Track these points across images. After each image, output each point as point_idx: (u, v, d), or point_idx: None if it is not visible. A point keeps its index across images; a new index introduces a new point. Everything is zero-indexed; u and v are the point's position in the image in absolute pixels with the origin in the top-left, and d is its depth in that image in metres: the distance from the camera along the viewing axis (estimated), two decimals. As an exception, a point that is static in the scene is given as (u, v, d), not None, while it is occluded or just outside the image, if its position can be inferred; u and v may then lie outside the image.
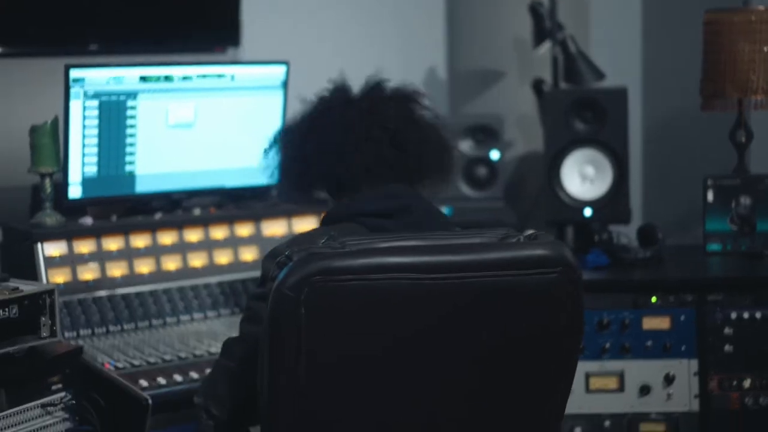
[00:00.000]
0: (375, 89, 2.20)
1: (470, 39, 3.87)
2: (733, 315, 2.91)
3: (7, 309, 2.21)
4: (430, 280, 1.76)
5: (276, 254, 1.89)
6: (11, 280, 2.34)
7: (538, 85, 3.59)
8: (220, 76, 3.04)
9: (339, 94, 2.19)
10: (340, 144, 2.10)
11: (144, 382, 2.48)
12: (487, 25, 3.82)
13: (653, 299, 2.93)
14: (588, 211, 3.28)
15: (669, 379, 2.91)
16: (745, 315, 2.91)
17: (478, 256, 1.79)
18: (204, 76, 3.01)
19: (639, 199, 3.94)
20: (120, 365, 2.55)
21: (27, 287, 2.29)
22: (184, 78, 2.97)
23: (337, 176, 2.11)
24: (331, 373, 1.77)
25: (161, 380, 2.50)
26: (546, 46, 3.58)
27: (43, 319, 2.29)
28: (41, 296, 2.29)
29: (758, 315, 2.91)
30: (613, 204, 3.28)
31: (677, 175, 3.83)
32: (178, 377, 2.52)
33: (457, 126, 3.51)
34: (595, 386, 2.92)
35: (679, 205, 3.75)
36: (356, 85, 2.26)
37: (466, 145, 3.50)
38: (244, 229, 3.06)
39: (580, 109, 3.31)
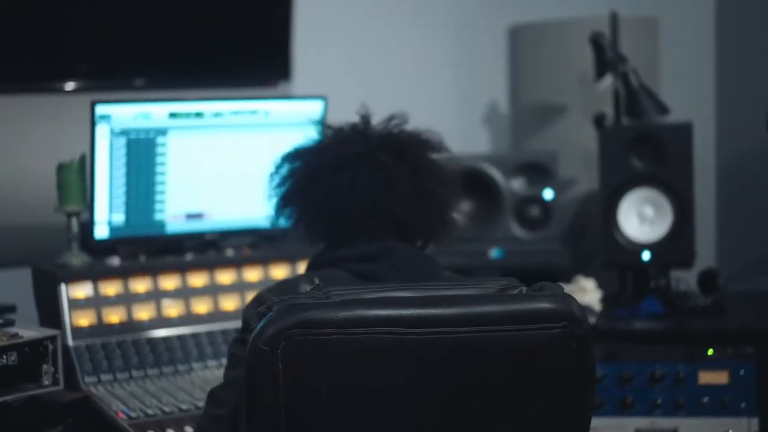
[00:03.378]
0: (384, 136, 2.05)
1: (533, 72, 3.73)
2: (798, 370, 2.69)
3: (5, 356, 2.13)
4: (415, 335, 1.61)
5: (259, 301, 1.77)
6: (15, 325, 2.26)
7: (599, 121, 3.40)
8: (253, 112, 2.94)
9: (344, 134, 2.06)
10: (326, 192, 1.96)
11: (151, 434, 2.38)
12: (550, 58, 3.68)
13: (710, 351, 2.72)
14: (646, 255, 3.08)
15: (726, 439, 2.69)
16: (811, 370, 2.69)
17: (471, 310, 1.64)
18: (237, 113, 2.92)
19: (711, 242, 3.72)
20: (133, 414, 2.45)
21: (28, 333, 2.21)
22: (216, 114, 2.88)
23: (320, 223, 1.98)
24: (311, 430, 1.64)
25: (170, 432, 2.40)
26: (608, 80, 3.40)
27: (45, 366, 2.20)
28: (42, 342, 2.20)
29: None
30: (673, 247, 3.08)
31: (752, 217, 3.60)
32: (188, 429, 2.41)
33: (511, 163, 3.35)
34: (646, 444, 2.72)
35: (753, 249, 3.52)
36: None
37: (518, 184, 3.33)
38: (279, 271, 2.95)
39: (640, 146, 3.14)
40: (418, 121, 2.16)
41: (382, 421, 1.64)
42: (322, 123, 2.23)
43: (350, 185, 1.95)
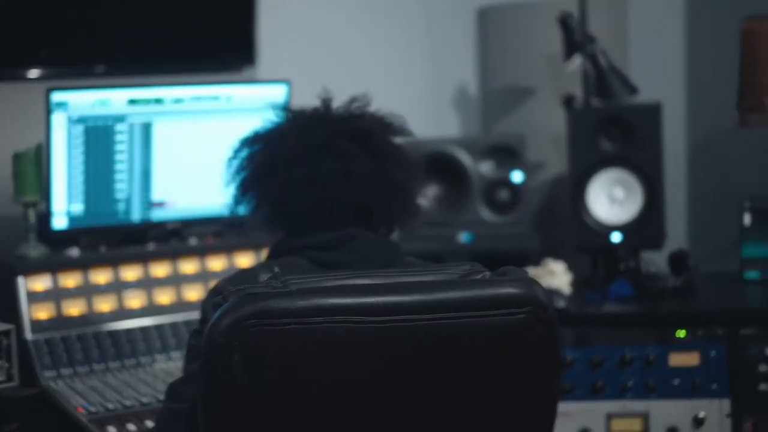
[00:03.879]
0: (345, 121, 1.99)
1: (501, 54, 3.68)
2: (769, 351, 2.66)
3: (-45, 352, 2.07)
4: (376, 324, 1.57)
5: (216, 291, 1.72)
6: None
7: (568, 102, 3.36)
8: (215, 97, 2.88)
9: (303, 119, 2.00)
10: (286, 182, 1.91)
11: (112, 429, 2.32)
12: (518, 39, 3.62)
13: (681, 333, 2.69)
14: (616, 237, 3.04)
15: (698, 421, 2.66)
16: (783, 350, 2.66)
17: (432, 296, 1.59)
18: (198, 98, 2.85)
19: (681, 223, 3.68)
20: (93, 409, 2.39)
21: (-20, 328, 2.15)
22: (176, 100, 2.82)
23: (280, 212, 1.93)
24: (270, 424, 1.59)
25: (131, 426, 2.34)
26: (577, 61, 3.35)
27: (-1, 362, 2.14)
28: (-5, 337, 2.14)
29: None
30: (643, 229, 3.04)
31: (719, 197, 3.57)
32: (150, 423, 2.35)
33: (479, 146, 3.30)
34: (617, 428, 2.69)
35: (720, 230, 3.49)
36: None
37: (487, 167, 3.28)
38: (243, 259, 2.89)
39: (609, 127, 3.10)
40: (385, 105, 2.10)
41: (344, 412, 1.60)
42: (283, 107, 2.17)
43: (310, 176, 1.90)
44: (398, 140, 2.06)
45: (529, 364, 1.63)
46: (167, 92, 2.81)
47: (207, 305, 1.75)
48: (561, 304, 2.83)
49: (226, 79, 3.16)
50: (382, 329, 1.56)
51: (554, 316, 1.63)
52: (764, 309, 2.80)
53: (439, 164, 3.26)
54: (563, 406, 1.71)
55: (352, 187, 1.91)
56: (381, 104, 2.10)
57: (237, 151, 2.02)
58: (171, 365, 2.66)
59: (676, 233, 3.54)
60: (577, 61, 3.34)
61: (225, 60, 3.27)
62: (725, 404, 2.67)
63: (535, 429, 1.67)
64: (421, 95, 3.71)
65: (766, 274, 2.97)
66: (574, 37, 3.33)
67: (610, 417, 2.69)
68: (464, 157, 3.28)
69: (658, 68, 3.66)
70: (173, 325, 2.74)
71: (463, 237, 3.23)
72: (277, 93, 2.94)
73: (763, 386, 2.66)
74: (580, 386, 2.69)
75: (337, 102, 2.07)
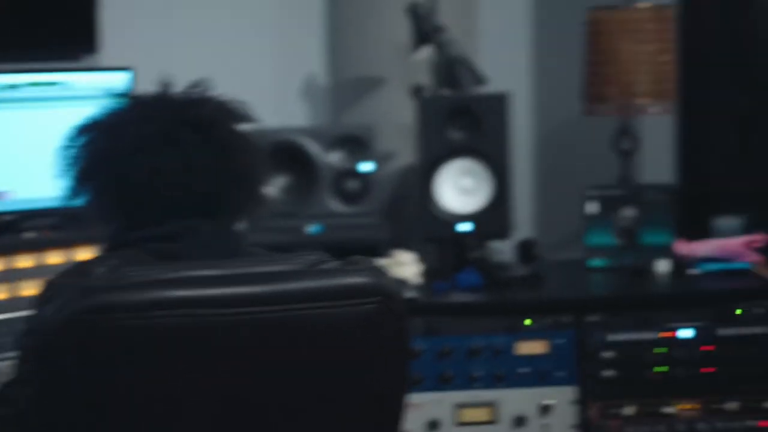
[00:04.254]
0: (186, 108, 1.91)
1: (351, 44, 3.64)
2: (614, 337, 2.70)
3: None
4: (221, 316, 1.51)
5: (49, 287, 1.63)
6: None
7: (417, 92, 3.35)
8: (53, 84, 2.75)
9: (142, 107, 1.92)
10: (123, 175, 1.83)
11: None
12: (368, 29, 3.59)
13: (528, 322, 2.71)
14: (465, 226, 3.05)
15: (545, 409, 2.69)
16: (627, 337, 2.70)
17: (278, 287, 1.54)
18: (35, 85, 2.73)
19: (528, 213, 3.72)
20: None
21: None
22: (12, 86, 2.69)
23: (116, 205, 1.84)
24: (109, 426, 1.51)
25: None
26: (426, 51, 3.34)
27: None
28: None
29: (640, 336, 2.71)
30: (491, 218, 3.05)
31: (565, 186, 3.62)
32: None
33: (328, 136, 3.26)
34: (465, 418, 2.69)
35: (566, 219, 3.53)
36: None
37: (336, 157, 3.24)
38: (84, 253, 2.78)
39: (457, 117, 3.09)
40: (232, 94, 2.03)
41: (189, 408, 1.53)
42: (122, 94, 2.08)
43: (150, 167, 1.81)
44: (242, 128, 1.99)
45: (379, 355, 1.59)
46: (1, 78, 2.68)
47: (40, 301, 1.66)
48: (410, 294, 2.81)
49: (65, 66, 3.03)
50: (227, 321, 1.50)
51: (403, 306, 1.60)
52: (608, 296, 2.85)
53: (287, 154, 3.21)
54: (412, 397, 1.68)
55: (193, 178, 1.84)
56: (227, 92, 2.03)
57: (72, 140, 1.92)
58: (4, 366, 2.53)
59: (524, 222, 3.57)
60: (425, 51, 3.33)
61: (65, 46, 3.14)
62: (572, 391, 2.70)
63: (384, 421, 1.63)
64: (269, 84, 3.64)
65: (609, 262, 3.02)
66: (423, 27, 3.32)
67: (458, 407, 2.69)
68: (313, 147, 3.23)
69: (505, 58, 3.67)
70: (7, 323, 2.62)
71: (312, 228, 3.18)
72: (119, 80, 2.84)
73: (607, 373, 2.70)
74: (429, 377, 2.68)
75: (178, 88, 1.99)
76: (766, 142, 3.83)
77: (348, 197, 3.22)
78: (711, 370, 2.72)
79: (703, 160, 3.68)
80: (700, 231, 3.27)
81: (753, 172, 3.81)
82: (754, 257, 2.93)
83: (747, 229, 3.26)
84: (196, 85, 1.94)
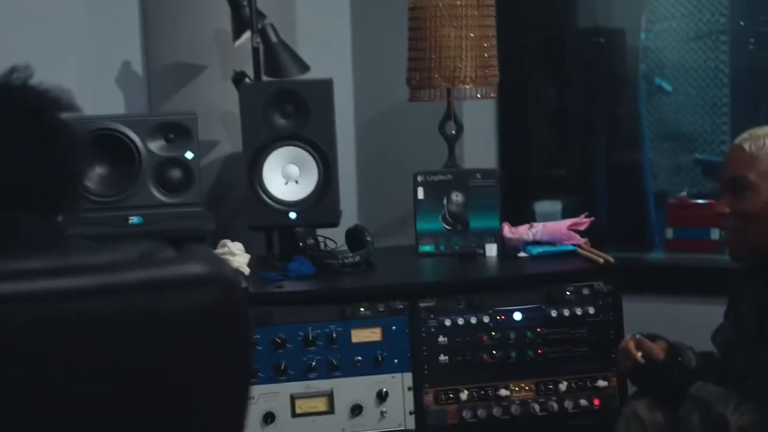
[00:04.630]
0: (5, 94, 1.79)
1: (168, 31, 3.51)
2: (447, 322, 2.70)
3: None
4: (49, 311, 1.40)
5: None
6: None
7: (238, 79, 3.26)
8: None
9: None
10: None
11: None
12: (186, 15, 3.47)
13: (361, 309, 2.67)
14: (293, 214, 2.99)
15: (382, 396, 2.66)
16: (459, 321, 2.71)
17: (108, 278, 1.44)
18: None
19: (356, 199, 3.69)
20: None
21: None
22: None
23: None
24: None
25: None
26: (246, 37, 3.26)
27: None
28: None
29: (473, 320, 2.72)
30: (319, 206, 3.00)
31: (391, 172, 3.60)
32: None
33: (148, 125, 3.13)
34: (302, 409, 2.64)
35: (395, 204, 3.52)
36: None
37: (156, 146, 3.12)
38: None
39: (282, 104, 3.03)
40: (47, 80, 1.91)
41: (17, 409, 1.42)
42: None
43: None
44: (65, 116, 1.87)
45: (222, 346, 1.51)
46: None
47: None
48: (242, 284, 2.73)
49: None
50: (55, 316, 1.40)
51: (244, 295, 1.53)
52: (440, 282, 2.83)
53: (106, 143, 3.07)
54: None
55: (14, 167, 1.72)
56: (42, 79, 1.91)
57: None
58: None
59: (353, 209, 3.54)
60: (246, 38, 3.25)
61: None
62: (407, 377, 2.68)
63: (229, 414, 1.56)
64: (84, 71, 3.48)
65: (439, 247, 3.02)
66: (244, 14, 3.24)
67: (294, 398, 2.63)
68: (132, 136, 3.10)
69: (327, 45, 3.63)
70: None
71: (135, 219, 3.05)
72: None
73: (441, 357, 2.69)
74: (263, 368, 2.61)
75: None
76: (580, 129, 3.94)
77: (170, 187, 3.10)
78: (541, 351, 2.74)
79: (524, 146, 3.75)
80: (523, 215, 3.32)
81: (570, 158, 3.91)
82: (579, 239, 2.98)
83: (566, 213, 3.33)
84: (15, 70, 1.82)
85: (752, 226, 2.11)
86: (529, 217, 3.28)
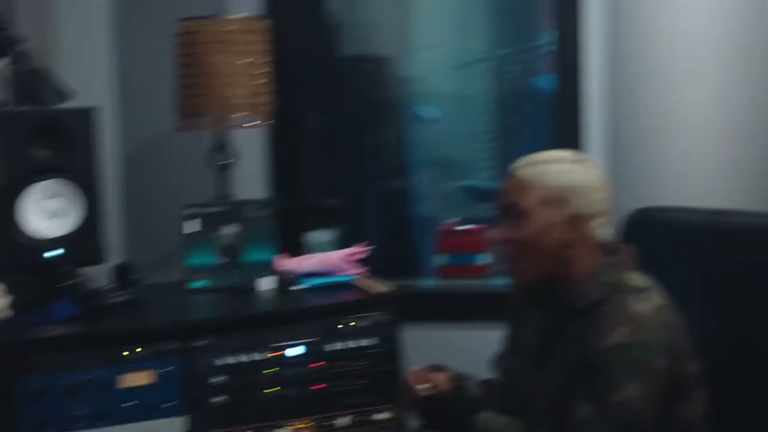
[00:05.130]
0: None
1: None
2: (222, 361, 2.58)
3: None
4: None
5: None
6: None
7: (-6, 108, 3.04)
8: None
9: None
10: None
11: None
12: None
13: (130, 351, 2.52)
14: (54, 252, 2.80)
15: (154, 443, 2.51)
16: (236, 359, 2.60)
17: None
18: None
19: (122, 234, 3.52)
20: None
21: None
22: None
23: None
24: None
25: None
26: (2, 63, 3.05)
27: None
28: None
29: (250, 358, 2.61)
30: (83, 242, 2.82)
31: (161, 205, 3.46)
32: None
33: None
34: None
35: (165, 239, 3.38)
36: None
37: None
38: None
39: (40, 135, 2.83)
40: None
41: None
42: None
43: None
44: None
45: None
46: None
47: None
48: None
49: None
50: None
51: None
52: (213, 319, 2.72)
53: None
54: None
55: None
56: None
57: None
58: None
59: (119, 245, 3.37)
60: (2, 64, 3.04)
61: None
62: (181, 422, 2.55)
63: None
64: None
65: (212, 282, 2.91)
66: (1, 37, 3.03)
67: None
68: None
69: (88, 71, 3.45)
70: None
71: None
72: None
73: (218, 398, 2.58)
74: (24, 422, 2.41)
75: None
76: (352, 158, 3.93)
77: None
78: (321, 386, 2.67)
79: (296, 176, 3.69)
80: (297, 246, 3.25)
81: (342, 186, 3.89)
82: (356, 269, 2.94)
83: (339, 243, 3.29)
84: None
85: (526, 253, 2.12)
86: (303, 248, 3.22)
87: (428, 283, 3.73)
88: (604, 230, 2.12)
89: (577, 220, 2.07)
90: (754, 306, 2.31)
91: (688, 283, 2.33)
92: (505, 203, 2.15)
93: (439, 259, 3.69)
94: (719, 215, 2.49)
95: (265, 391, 2.62)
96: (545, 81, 4.08)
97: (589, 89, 3.42)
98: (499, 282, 3.70)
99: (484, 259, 3.65)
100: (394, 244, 3.84)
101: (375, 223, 3.91)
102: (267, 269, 2.91)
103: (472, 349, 3.25)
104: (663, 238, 2.50)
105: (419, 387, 2.16)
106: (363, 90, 3.99)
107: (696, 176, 3.06)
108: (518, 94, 4.37)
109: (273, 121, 3.08)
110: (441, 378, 2.18)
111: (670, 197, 2.93)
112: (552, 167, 2.09)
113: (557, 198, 2.07)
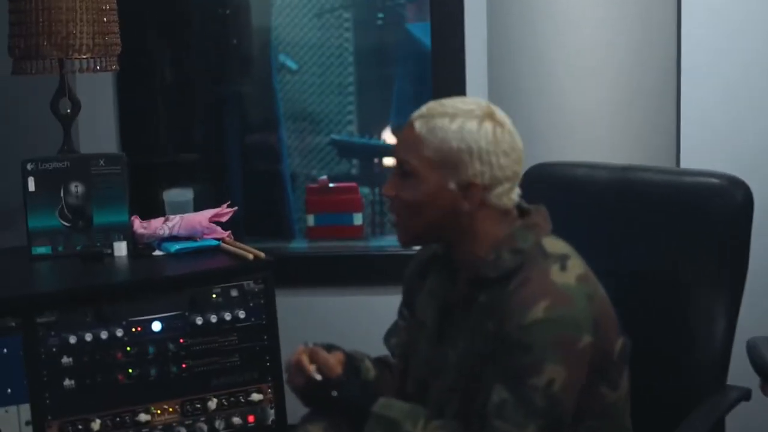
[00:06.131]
0: None
1: None
2: (72, 339, 2.28)
3: None
4: None
5: None
6: None
7: None
8: None
9: None
10: None
11: None
12: None
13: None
14: None
15: (-8, 437, 2.18)
16: (87, 337, 2.29)
17: None
18: None
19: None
20: None
21: None
22: None
23: None
24: None
25: None
26: None
27: None
28: None
29: (103, 335, 2.31)
30: None
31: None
32: None
33: None
34: None
35: (4, 198, 2.99)
36: None
37: None
38: None
39: None
40: None
41: None
42: None
43: None
44: None
45: None
46: None
47: None
48: None
49: None
50: None
51: None
52: (60, 290, 2.39)
53: None
54: None
55: None
56: None
57: None
58: None
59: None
60: None
61: None
62: (24, 410, 2.22)
63: None
64: None
65: (57, 248, 2.56)
66: None
67: None
68: None
69: None
70: None
71: None
72: None
73: (67, 382, 2.26)
74: None
75: None
76: (210, 110, 3.61)
77: None
78: (187, 365, 2.38)
79: (149, 128, 3.36)
80: (152, 206, 2.93)
81: (200, 141, 3.57)
82: (222, 233, 2.64)
83: (198, 202, 2.99)
84: None
85: (413, 215, 1.85)
86: (159, 209, 2.89)
87: (298, 245, 3.45)
88: (509, 197, 1.86)
89: (473, 188, 1.80)
90: (657, 263, 2.14)
91: (591, 242, 2.12)
92: (396, 158, 1.87)
93: (311, 220, 3.41)
94: (623, 171, 2.29)
95: (121, 373, 2.33)
96: (420, 29, 3.86)
97: (470, 38, 3.17)
98: (378, 243, 3.45)
99: (359, 219, 3.39)
100: (260, 203, 3.54)
101: (238, 181, 3.60)
102: (122, 232, 2.58)
103: (352, 317, 3.01)
104: (563, 195, 2.28)
105: (310, 368, 1.86)
106: (219, 37, 3.66)
107: (584, 129, 2.87)
108: (385, 43, 4.15)
109: (122, 67, 2.73)
110: (335, 359, 1.89)
111: (557, 151, 2.73)
112: (452, 124, 1.81)
113: (451, 162, 1.80)
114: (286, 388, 2.43)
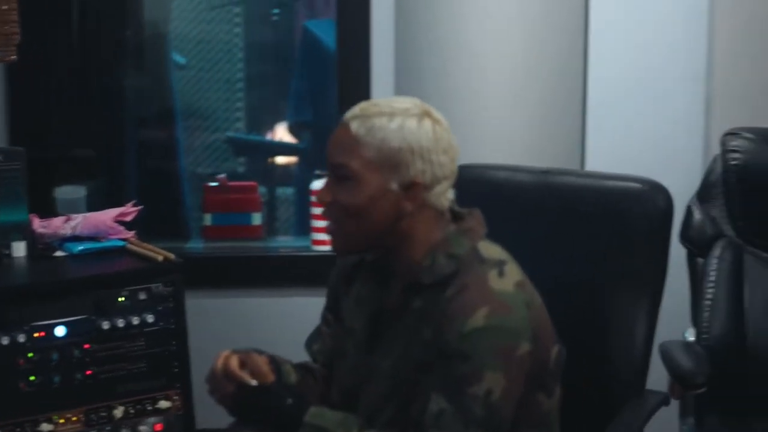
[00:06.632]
0: None
1: None
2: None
3: None
4: None
5: None
6: None
7: None
8: None
9: None
10: None
11: None
12: None
13: None
14: None
15: None
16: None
17: None
18: None
19: None
20: None
21: None
22: None
23: None
24: None
25: None
26: None
27: None
28: None
29: (4, 341, 2.21)
30: None
31: None
32: None
33: None
34: None
35: None
36: None
37: None
38: None
39: None
40: None
41: None
42: None
43: None
44: None
45: None
46: None
47: None
48: None
49: None
50: None
51: None
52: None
53: None
54: None
55: None
56: None
57: None
58: None
59: None
60: None
61: None
62: None
63: None
64: None
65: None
66: None
67: None
68: None
69: None
70: None
71: None
72: None
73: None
74: None
75: None
76: (105, 103, 3.47)
77: None
78: (91, 372, 2.28)
79: (40, 121, 3.20)
80: (45, 204, 2.79)
81: (94, 136, 3.42)
82: (126, 233, 2.53)
83: (92, 199, 2.87)
84: None
85: (351, 220, 1.78)
86: (51, 207, 2.76)
87: (195, 245, 3.33)
88: (446, 197, 1.82)
89: (416, 188, 1.75)
90: (579, 269, 2.13)
91: (513, 247, 2.10)
92: (332, 162, 1.80)
93: (208, 219, 3.30)
94: (543, 175, 2.27)
95: (23, 380, 2.22)
96: (318, 26, 3.79)
97: (376, 36, 3.11)
98: (276, 244, 3.38)
99: (257, 219, 3.30)
100: (155, 201, 3.41)
101: (133, 178, 3.46)
102: (20, 232, 2.44)
103: (259, 319, 2.93)
104: (485, 198, 2.25)
105: (242, 375, 1.77)
106: (111, 30, 3.51)
107: (493, 129, 2.86)
108: (280, 40, 4.09)
109: (18, 57, 2.59)
110: (264, 365, 1.81)
111: (464, 152, 2.71)
112: (391, 123, 1.75)
113: (393, 162, 1.75)
114: (195, 395, 2.36)
